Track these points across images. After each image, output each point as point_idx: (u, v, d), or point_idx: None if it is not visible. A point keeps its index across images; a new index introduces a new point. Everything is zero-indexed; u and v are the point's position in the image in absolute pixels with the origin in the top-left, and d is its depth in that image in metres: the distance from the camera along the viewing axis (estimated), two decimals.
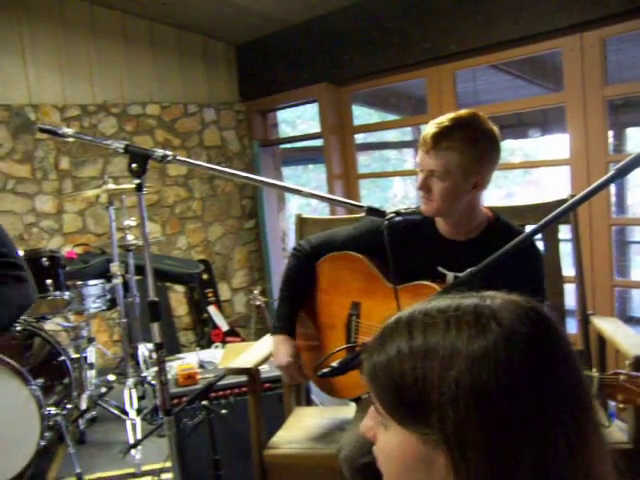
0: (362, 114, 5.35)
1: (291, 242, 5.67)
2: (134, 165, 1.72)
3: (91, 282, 3.50)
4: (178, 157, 1.73)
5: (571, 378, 0.70)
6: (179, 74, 5.38)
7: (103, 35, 5.02)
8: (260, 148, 5.52)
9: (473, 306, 0.71)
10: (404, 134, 7.62)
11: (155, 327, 1.80)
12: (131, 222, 3.61)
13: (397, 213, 1.85)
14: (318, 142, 5.77)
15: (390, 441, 0.72)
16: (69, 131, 1.83)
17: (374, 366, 0.73)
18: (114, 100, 5.05)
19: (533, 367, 0.67)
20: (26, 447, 2.79)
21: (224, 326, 5.22)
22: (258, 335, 4.60)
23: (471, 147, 1.81)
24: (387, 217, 1.82)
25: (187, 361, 3.75)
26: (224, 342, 5.06)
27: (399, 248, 1.95)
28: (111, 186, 3.44)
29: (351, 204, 1.78)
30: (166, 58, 5.30)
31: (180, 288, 5.29)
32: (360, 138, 5.23)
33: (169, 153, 1.72)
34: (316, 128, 5.66)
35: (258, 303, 4.55)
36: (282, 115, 5.90)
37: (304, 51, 5.02)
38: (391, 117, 6.72)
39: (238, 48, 5.66)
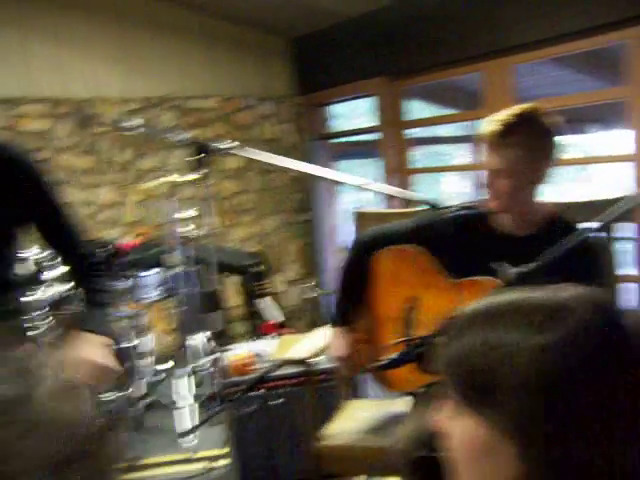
0: (416, 108, 5.32)
1: (341, 236, 5.69)
2: (196, 156, 1.77)
3: (149, 272, 3.59)
4: (245, 148, 1.76)
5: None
6: (238, 67, 5.44)
7: (162, 29, 5.11)
8: (315, 142, 5.55)
9: (546, 298, 0.73)
10: (457, 129, 7.54)
11: (214, 316, 1.84)
12: (190, 213, 3.67)
13: (454, 208, 1.85)
14: (370, 136, 5.77)
15: (463, 431, 0.73)
16: (136, 123, 1.88)
17: (451, 356, 0.75)
18: (173, 94, 5.15)
19: (604, 360, 0.68)
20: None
21: (277, 318, 5.27)
22: (311, 327, 4.64)
23: (536, 142, 1.79)
24: (445, 211, 1.82)
25: (240, 351, 3.82)
26: (277, 334, 5.11)
27: (455, 243, 1.95)
28: (172, 178, 3.51)
29: (414, 199, 1.78)
30: (225, 51, 5.37)
31: (234, 279, 5.36)
32: (414, 133, 5.20)
33: (234, 144, 1.75)
34: (368, 122, 5.65)
35: (311, 295, 4.58)
36: (335, 109, 5.90)
37: (361, 45, 5.01)
38: (445, 112, 6.66)
39: (295, 42, 5.68)
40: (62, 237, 1.72)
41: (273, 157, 1.76)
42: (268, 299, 5.15)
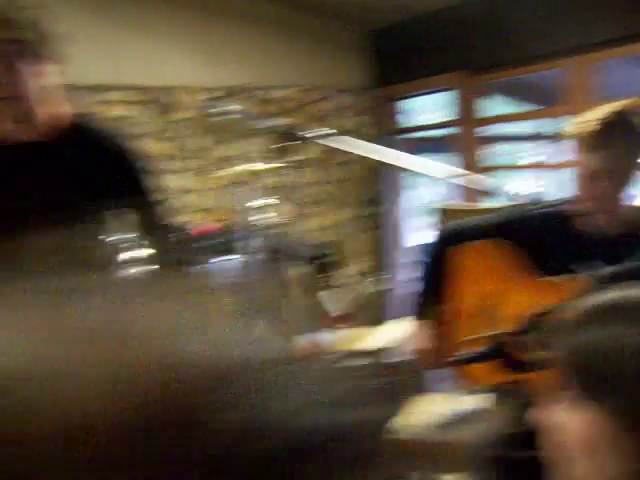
0: (492, 104, 5.25)
1: (412, 230, 5.66)
2: (282, 144, 1.79)
3: (222, 258, 3.65)
4: (332, 138, 1.77)
5: None
6: (316, 58, 5.47)
7: (244, 19, 5.19)
8: (390, 136, 5.53)
9: None
10: (529, 126, 7.39)
11: (285, 302, 1.87)
12: (267, 201, 3.72)
13: (541, 205, 1.83)
14: (444, 132, 5.72)
15: (582, 423, 0.74)
16: (234, 108, 1.91)
17: (574, 347, 0.76)
18: (252, 83, 5.22)
19: None
20: None
21: (341, 311, 5.29)
22: (376, 322, 4.65)
23: (633, 142, 1.75)
24: (532, 208, 1.79)
25: (302, 341, 3.84)
26: (341, 326, 5.13)
27: (541, 240, 1.92)
28: (252, 165, 3.56)
29: (503, 194, 1.77)
30: (303, 42, 5.41)
31: (297, 270, 5.40)
32: (489, 129, 5.13)
33: (321, 132, 1.77)
34: (442, 118, 5.60)
35: (378, 289, 4.58)
36: (410, 103, 5.88)
37: (439, 39, 4.97)
38: (523, 108, 6.53)
39: (372, 33, 5.67)
40: (153, 229, 1.76)
41: (362, 146, 1.77)
42: (333, 291, 5.18)
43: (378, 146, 5.44)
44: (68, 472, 0.20)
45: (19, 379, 0.21)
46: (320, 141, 1.76)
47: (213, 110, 1.98)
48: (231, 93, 5.13)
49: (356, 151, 1.85)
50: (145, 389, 0.21)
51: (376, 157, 1.82)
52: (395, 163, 1.87)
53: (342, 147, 1.78)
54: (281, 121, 5.17)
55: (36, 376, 0.21)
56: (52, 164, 1.59)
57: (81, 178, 1.62)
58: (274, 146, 1.76)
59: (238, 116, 1.99)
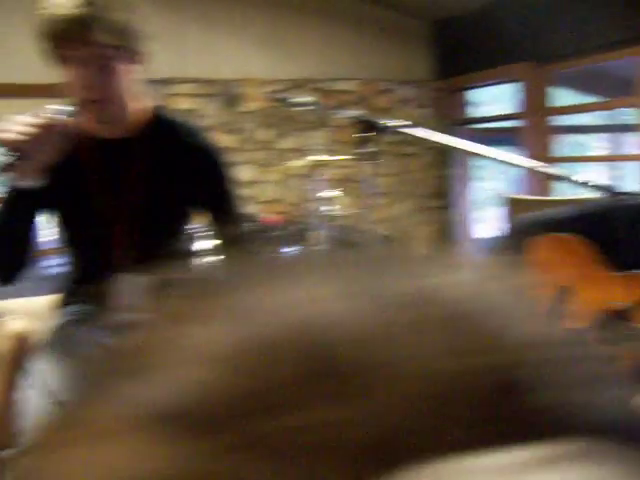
0: (560, 95, 5.14)
1: (477, 222, 5.60)
2: (362, 134, 1.80)
3: (288, 249, 3.69)
4: (412, 128, 1.77)
5: None
6: (379, 51, 5.45)
7: (309, 12, 5.22)
8: (454, 127, 5.48)
9: None
10: (597, 118, 7.22)
11: None
12: (331, 193, 3.74)
13: (626, 197, 1.78)
14: (510, 123, 5.62)
15: None
16: (306, 100, 1.94)
17: None
18: (314, 75, 5.24)
19: None
20: None
21: None
22: None
23: None
24: (616, 199, 1.75)
25: None
26: None
27: (614, 234, 1.87)
28: (316, 157, 3.58)
29: (572, 185, 1.73)
30: (367, 35, 5.40)
31: None
32: (556, 120, 5.02)
33: (402, 123, 1.77)
34: (508, 109, 5.51)
35: None
36: (474, 94, 5.80)
37: (505, 28, 4.88)
38: (590, 99, 6.37)
39: (436, 24, 5.62)
40: (227, 224, 1.79)
41: (445, 137, 1.76)
42: None
43: (453, 136, 5.41)
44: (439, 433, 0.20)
45: (376, 345, 0.22)
46: (405, 131, 1.74)
47: (288, 101, 2.00)
48: (294, 86, 5.17)
49: (435, 141, 1.83)
50: (482, 350, 0.22)
51: (454, 146, 1.80)
52: (473, 152, 1.84)
53: (423, 136, 1.77)
54: (360, 112, 5.19)
55: (390, 342, 0.22)
56: (138, 158, 1.64)
57: (165, 170, 1.67)
58: (355, 135, 1.76)
59: (312, 107, 2.00)
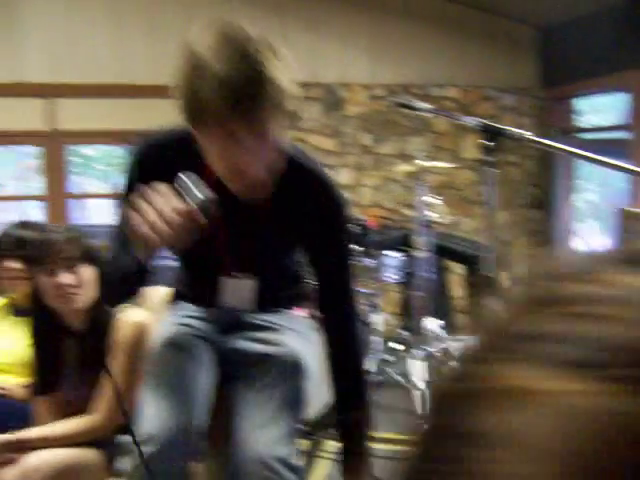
0: None
1: (579, 234, 5.42)
2: (486, 142, 1.77)
3: (391, 253, 3.69)
4: (533, 137, 1.74)
5: None
6: (481, 57, 5.38)
7: (413, 18, 5.21)
8: (558, 137, 5.33)
9: None
10: None
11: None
12: (433, 199, 3.72)
13: None
14: (617, 135, 5.41)
15: None
16: (423, 105, 1.94)
17: None
18: (417, 81, 5.23)
19: None
20: (323, 397, 3.06)
21: None
22: None
23: None
24: None
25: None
26: None
27: None
28: (419, 163, 3.57)
29: None
30: (470, 41, 5.34)
31: (459, 269, 5.34)
32: None
33: (524, 132, 1.74)
34: (616, 120, 5.32)
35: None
36: (581, 104, 5.63)
37: (616, 35, 4.71)
38: None
39: (544, 32, 5.49)
40: (331, 292, 1.68)
41: (572, 149, 1.71)
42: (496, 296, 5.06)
43: (535, 152, 5.27)
44: None
45: None
46: (533, 140, 1.71)
47: (404, 104, 1.99)
48: (392, 92, 5.16)
49: (561, 150, 1.79)
50: None
51: (579, 156, 1.76)
52: (596, 163, 1.78)
53: (553, 147, 1.73)
54: (437, 122, 5.14)
55: None
56: (266, 208, 1.55)
57: (290, 217, 1.60)
58: (482, 142, 1.73)
59: (429, 112, 1.99)
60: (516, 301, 0.32)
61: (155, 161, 1.51)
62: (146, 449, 1.49)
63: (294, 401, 1.61)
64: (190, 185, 1.32)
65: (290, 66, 1.36)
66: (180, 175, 1.33)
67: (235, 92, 1.24)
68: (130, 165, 1.57)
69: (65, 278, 1.90)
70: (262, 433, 1.52)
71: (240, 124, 1.27)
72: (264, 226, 1.58)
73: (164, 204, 1.29)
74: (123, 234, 1.41)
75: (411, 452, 0.31)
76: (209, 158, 1.37)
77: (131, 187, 1.47)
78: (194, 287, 1.79)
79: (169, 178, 1.36)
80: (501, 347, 0.29)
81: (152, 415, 1.53)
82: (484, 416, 0.27)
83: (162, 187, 1.31)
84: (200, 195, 1.32)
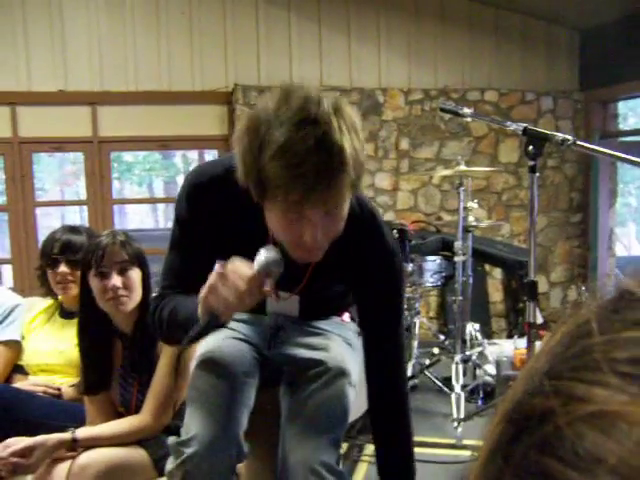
0: None
1: (621, 239, 5.34)
2: (530, 147, 1.77)
3: (430, 257, 3.68)
4: (578, 142, 1.73)
5: None
6: (519, 61, 5.36)
7: (450, 22, 5.21)
8: (601, 140, 5.27)
9: None
10: None
11: (532, 307, 1.87)
12: (472, 204, 3.71)
13: None
14: None
15: None
16: (468, 111, 1.95)
17: None
18: (454, 85, 5.22)
19: None
20: (364, 398, 3.07)
21: (539, 319, 5.12)
22: None
23: None
24: None
25: (508, 347, 3.80)
26: (538, 335, 4.97)
27: None
28: (459, 167, 3.56)
29: None
30: (508, 44, 5.32)
31: (498, 275, 5.31)
32: None
33: (569, 137, 1.73)
34: None
35: (578, 299, 4.38)
36: (623, 106, 5.56)
37: None
38: None
39: (582, 34, 5.44)
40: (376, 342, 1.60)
41: (615, 152, 1.71)
42: (534, 300, 5.03)
43: (570, 155, 5.20)
44: None
45: None
46: (577, 145, 1.70)
47: (448, 108, 2.01)
48: (429, 96, 5.16)
49: (613, 158, 1.78)
50: None
51: (612, 158, 1.75)
52: (631, 164, 1.77)
53: (603, 152, 1.73)
54: (475, 126, 5.12)
55: None
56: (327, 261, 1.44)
57: (345, 266, 1.54)
58: (529, 148, 1.73)
59: (473, 117, 1.99)
60: (597, 320, 0.31)
61: (208, 201, 1.46)
62: (188, 450, 1.52)
63: (339, 407, 1.61)
64: (263, 256, 1.30)
65: (359, 130, 1.25)
66: (261, 251, 1.31)
67: (301, 167, 1.15)
68: (183, 202, 1.50)
69: (116, 281, 1.95)
70: (308, 439, 1.54)
71: (309, 202, 1.19)
72: (318, 275, 1.54)
73: (235, 278, 1.26)
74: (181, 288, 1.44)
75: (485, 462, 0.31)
76: (271, 224, 1.31)
77: (183, 227, 1.49)
78: None
79: (225, 217, 1.38)
80: (588, 367, 0.29)
81: (196, 416, 1.56)
82: (575, 436, 0.27)
83: (237, 263, 1.28)
84: (267, 259, 1.29)
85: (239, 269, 1.26)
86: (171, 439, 1.60)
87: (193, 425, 1.55)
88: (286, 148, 1.15)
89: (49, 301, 2.49)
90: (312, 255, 1.32)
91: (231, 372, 1.63)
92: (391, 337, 1.57)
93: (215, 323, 1.28)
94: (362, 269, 1.50)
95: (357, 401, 1.73)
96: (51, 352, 2.36)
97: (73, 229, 2.44)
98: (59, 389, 2.25)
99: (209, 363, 1.66)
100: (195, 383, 1.65)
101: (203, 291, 1.27)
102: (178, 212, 1.51)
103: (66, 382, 2.31)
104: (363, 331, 1.62)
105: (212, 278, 1.26)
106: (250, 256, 1.31)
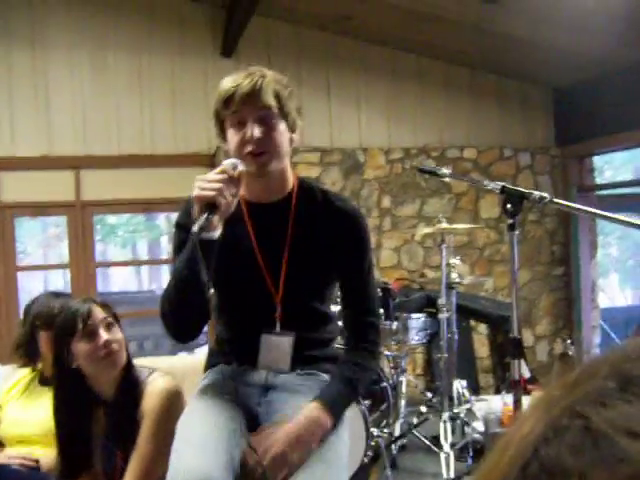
0: None
1: (601, 291, 5.38)
2: (509, 206, 1.80)
3: (414, 315, 3.68)
4: (555, 200, 1.77)
5: None
6: (496, 118, 5.48)
7: (427, 83, 5.35)
8: (578, 194, 5.37)
9: None
10: None
11: (516, 364, 1.87)
12: (454, 260, 3.73)
13: None
14: (635, 190, 5.44)
15: None
16: (447, 172, 1.99)
17: None
18: (434, 143, 5.32)
19: None
20: (353, 460, 3.01)
21: (526, 373, 5.09)
22: None
23: None
24: None
25: (496, 402, 3.76)
26: (525, 390, 4.94)
27: None
28: (441, 224, 3.60)
29: None
30: (484, 103, 5.45)
31: (483, 330, 5.31)
32: None
33: (546, 195, 1.76)
34: (632, 175, 5.35)
35: (566, 352, 4.37)
36: (597, 161, 5.68)
37: (630, 94, 4.79)
38: None
39: (555, 92, 5.60)
40: (354, 309, 1.84)
41: (591, 209, 1.74)
42: (520, 355, 5.01)
43: (550, 209, 5.29)
44: None
45: None
46: (553, 202, 1.74)
47: (425, 169, 2.05)
48: (409, 155, 5.25)
49: (593, 215, 1.81)
50: None
51: (588, 214, 1.78)
52: (607, 220, 1.80)
53: (581, 210, 1.75)
54: (455, 184, 5.20)
55: None
56: (290, 220, 1.75)
57: (314, 232, 1.76)
58: (507, 206, 1.76)
59: (450, 177, 2.03)
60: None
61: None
62: None
63: (336, 461, 1.64)
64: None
65: (292, 91, 1.75)
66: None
67: (243, 88, 1.64)
68: (175, 231, 1.80)
69: (108, 336, 1.94)
70: None
71: (243, 103, 1.65)
72: (294, 239, 1.77)
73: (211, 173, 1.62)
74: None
75: None
76: (230, 143, 1.71)
77: (179, 249, 1.71)
78: (234, 344, 1.83)
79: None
80: None
81: (178, 471, 1.54)
82: None
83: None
84: (229, 159, 1.66)
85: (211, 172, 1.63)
86: None
87: (175, 471, 1.53)
88: (224, 85, 1.69)
89: (29, 371, 2.44)
90: (255, 150, 1.65)
91: (216, 429, 1.63)
92: (364, 286, 1.81)
93: (212, 212, 1.54)
94: (332, 238, 1.76)
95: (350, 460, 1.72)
96: (29, 422, 2.31)
97: (57, 295, 2.42)
98: (37, 461, 2.19)
99: (195, 414, 1.69)
100: (181, 431, 1.65)
101: (194, 193, 1.56)
102: (178, 219, 1.81)
103: (45, 453, 2.25)
104: (340, 286, 1.84)
105: (195, 185, 1.58)
106: (236, 261, 1.73)
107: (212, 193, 1.54)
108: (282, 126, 1.70)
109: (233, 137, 1.70)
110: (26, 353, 2.37)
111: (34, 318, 2.33)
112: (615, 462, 0.27)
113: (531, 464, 0.30)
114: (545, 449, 0.30)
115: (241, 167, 1.63)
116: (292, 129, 1.75)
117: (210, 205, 1.54)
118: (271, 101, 1.66)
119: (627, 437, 0.28)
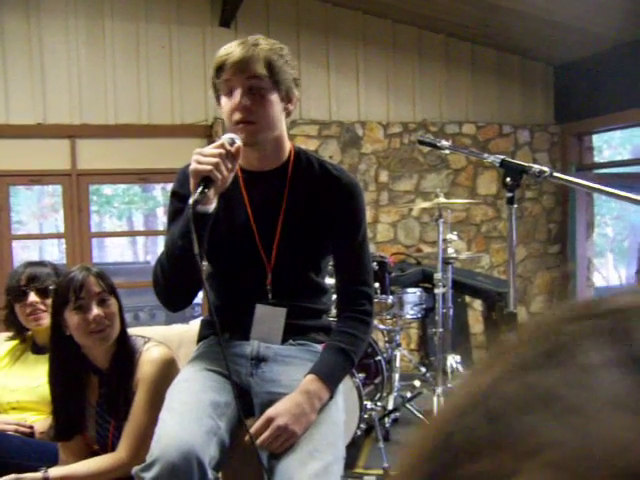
0: None
1: (598, 269, 5.38)
2: (508, 179, 1.78)
3: (410, 290, 3.68)
4: (555, 174, 1.75)
5: None
6: (496, 94, 5.44)
7: (427, 57, 5.29)
8: (575, 172, 5.35)
9: None
10: None
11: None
12: (453, 236, 3.72)
13: None
14: (633, 169, 5.43)
15: None
16: (446, 144, 1.97)
17: None
18: (433, 118, 5.28)
19: None
20: (346, 432, 3.02)
21: None
22: None
23: None
24: None
25: None
26: None
27: None
28: (438, 199, 3.58)
29: None
30: (484, 78, 5.40)
31: (478, 306, 5.32)
32: None
33: (546, 169, 1.75)
34: (630, 154, 5.33)
35: None
36: (597, 139, 5.65)
37: (631, 72, 4.76)
38: None
39: (556, 68, 5.55)
40: (348, 275, 1.83)
41: (592, 184, 1.72)
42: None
43: (548, 187, 5.27)
44: None
45: None
46: (553, 177, 1.72)
47: (427, 141, 2.03)
48: (408, 129, 5.21)
49: (590, 190, 1.79)
50: None
51: (589, 189, 1.76)
52: (609, 196, 1.79)
53: (580, 184, 1.74)
54: (454, 158, 5.17)
55: None
56: (285, 188, 1.74)
57: (310, 200, 1.75)
58: (507, 180, 1.75)
59: (451, 149, 2.01)
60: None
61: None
62: (148, 474, 1.49)
63: (332, 435, 1.64)
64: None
65: (288, 61, 1.73)
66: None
67: (234, 56, 1.65)
68: (170, 199, 1.82)
69: (99, 311, 1.92)
70: (304, 469, 1.52)
71: (236, 80, 1.66)
72: (288, 207, 1.77)
73: (208, 148, 1.61)
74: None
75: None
76: (224, 111, 1.71)
77: (174, 217, 1.72)
78: (226, 313, 1.82)
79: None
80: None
81: (158, 439, 1.54)
82: None
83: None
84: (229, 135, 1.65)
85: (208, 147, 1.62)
86: (135, 467, 1.57)
87: (156, 448, 1.52)
88: (219, 53, 1.70)
89: (14, 342, 2.43)
90: (243, 118, 1.66)
91: (200, 398, 1.63)
92: (358, 257, 1.80)
93: (208, 186, 1.54)
94: (328, 207, 1.76)
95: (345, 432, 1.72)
96: (23, 389, 2.30)
97: (36, 263, 2.41)
98: (31, 427, 2.19)
99: (184, 387, 1.68)
100: (165, 406, 1.66)
101: (191, 166, 1.57)
102: (173, 188, 1.80)
103: (39, 420, 2.25)
104: (334, 256, 1.83)
105: (192, 158, 1.57)
106: (230, 229, 1.75)
107: (208, 167, 1.54)
108: (273, 96, 1.69)
109: (225, 106, 1.71)
110: (12, 324, 2.36)
111: (6, 292, 2.33)
112: (522, 436, 0.26)
113: (454, 434, 0.29)
114: (466, 418, 0.29)
115: (239, 142, 1.62)
116: (287, 99, 1.73)
117: (206, 179, 1.54)
118: (261, 70, 1.65)
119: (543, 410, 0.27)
